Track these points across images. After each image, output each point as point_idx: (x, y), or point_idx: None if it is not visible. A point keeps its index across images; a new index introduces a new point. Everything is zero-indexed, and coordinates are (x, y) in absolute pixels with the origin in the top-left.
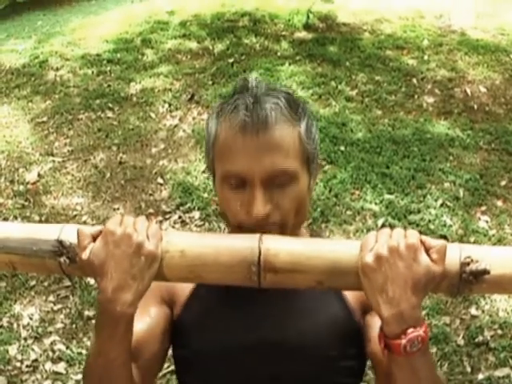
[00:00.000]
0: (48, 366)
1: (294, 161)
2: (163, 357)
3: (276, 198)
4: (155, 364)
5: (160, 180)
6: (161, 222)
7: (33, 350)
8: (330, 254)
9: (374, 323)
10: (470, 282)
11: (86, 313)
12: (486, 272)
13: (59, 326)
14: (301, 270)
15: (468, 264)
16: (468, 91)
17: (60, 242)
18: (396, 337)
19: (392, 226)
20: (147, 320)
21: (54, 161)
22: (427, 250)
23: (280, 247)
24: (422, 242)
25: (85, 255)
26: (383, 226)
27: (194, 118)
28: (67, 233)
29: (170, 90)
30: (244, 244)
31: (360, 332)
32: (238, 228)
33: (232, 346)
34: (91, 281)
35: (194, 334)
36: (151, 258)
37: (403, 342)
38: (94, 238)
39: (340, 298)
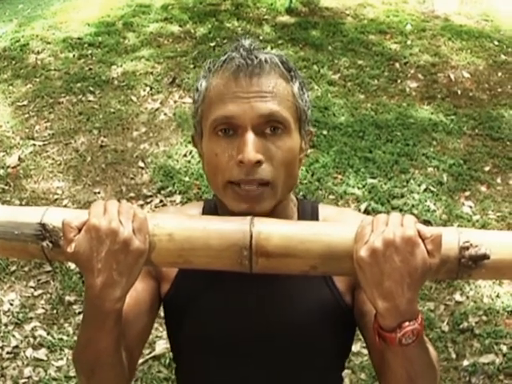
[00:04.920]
0: (29, 352)
1: (287, 111)
2: (149, 332)
3: (268, 149)
4: (143, 341)
5: (141, 164)
6: (142, 205)
7: (13, 336)
8: (325, 237)
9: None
10: (469, 267)
11: (67, 298)
12: (485, 257)
13: (40, 311)
14: (294, 254)
15: (467, 248)
16: (451, 76)
17: (43, 226)
18: (391, 330)
19: (376, 211)
20: (134, 295)
21: (34, 144)
22: (422, 240)
23: (272, 230)
24: (417, 231)
25: (70, 249)
26: (366, 210)
27: (175, 102)
28: (50, 216)
29: (152, 73)
30: (235, 227)
31: (348, 314)
32: (224, 189)
33: (223, 333)
34: (72, 265)
35: (186, 318)
36: (138, 254)
37: (398, 335)
38: (80, 230)
39: (329, 282)
